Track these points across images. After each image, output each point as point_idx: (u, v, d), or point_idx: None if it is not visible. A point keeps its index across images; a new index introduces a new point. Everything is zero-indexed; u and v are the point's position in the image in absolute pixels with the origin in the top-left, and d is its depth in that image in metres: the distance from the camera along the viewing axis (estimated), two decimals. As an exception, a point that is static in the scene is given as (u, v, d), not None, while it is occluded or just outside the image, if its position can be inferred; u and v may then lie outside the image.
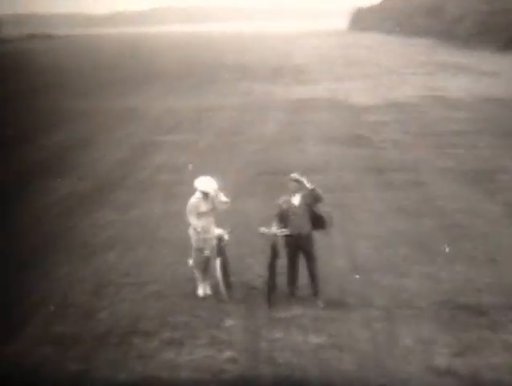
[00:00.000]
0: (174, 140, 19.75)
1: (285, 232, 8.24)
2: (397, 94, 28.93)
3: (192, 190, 8.58)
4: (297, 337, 7.40)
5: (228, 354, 7.08)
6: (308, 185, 8.36)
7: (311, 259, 8.36)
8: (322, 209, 8.50)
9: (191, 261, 8.59)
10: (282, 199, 8.44)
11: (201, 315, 7.93)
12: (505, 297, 8.03)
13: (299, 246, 8.32)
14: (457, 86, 31.30)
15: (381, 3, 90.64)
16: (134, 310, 8.14)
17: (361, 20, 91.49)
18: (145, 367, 6.92)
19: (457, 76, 36.40)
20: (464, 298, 8.07)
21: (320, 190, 8.38)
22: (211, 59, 56.12)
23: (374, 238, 10.20)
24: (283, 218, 8.30)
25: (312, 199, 8.36)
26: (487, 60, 47.09)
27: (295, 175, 8.45)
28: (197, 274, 8.56)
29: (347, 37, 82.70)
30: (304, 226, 8.29)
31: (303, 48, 66.21)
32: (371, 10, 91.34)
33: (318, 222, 8.36)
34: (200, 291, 8.54)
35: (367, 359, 6.88)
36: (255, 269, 9.05)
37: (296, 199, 8.37)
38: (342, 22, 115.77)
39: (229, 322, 7.74)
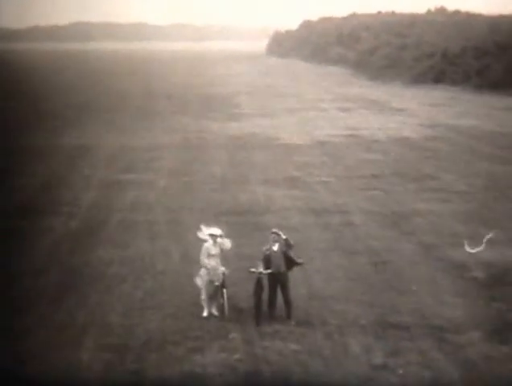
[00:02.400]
0: (134, 180, 22.90)
1: (268, 271, 11.75)
2: (321, 133, 33.00)
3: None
4: (280, 345, 10.88)
5: (236, 356, 10.51)
6: (283, 236, 11.89)
7: (286, 290, 11.88)
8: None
9: (199, 282, 11.90)
10: (265, 247, 11.94)
11: (211, 331, 11.31)
12: (421, 317, 11.77)
13: (277, 280, 11.83)
14: (372, 125, 35.70)
15: (298, 29, 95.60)
16: (160, 327, 11.43)
17: (279, 45, 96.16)
18: (181, 365, 10.25)
19: (371, 114, 41.00)
20: (391, 318, 11.78)
21: (291, 241, 11.94)
22: (138, 88, 59.00)
23: (324, 272, 13.85)
24: (266, 260, 11.80)
25: (286, 246, 11.90)
26: (397, 95, 52.23)
27: (275, 230, 11.99)
28: (204, 300, 11.91)
29: (267, 63, 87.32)
30: (281, 266, 11.81)
31: (229, 76, 70.03)
32: (289, 34, 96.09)
33: (291, 262, 11.90)
34: (205, 313, 11.92)
35: (329, 360, 10.43)
36: (240, 296, 12.44)
37: (275, 247, 11.88)
38: (260, 44, 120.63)
39: (232, 335, 11.16)
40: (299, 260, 11.99)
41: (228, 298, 11.83)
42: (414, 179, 22.82)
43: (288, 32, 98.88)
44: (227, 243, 12.03)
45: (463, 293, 12.75)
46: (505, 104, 46.53)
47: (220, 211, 18.61)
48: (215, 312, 11.96)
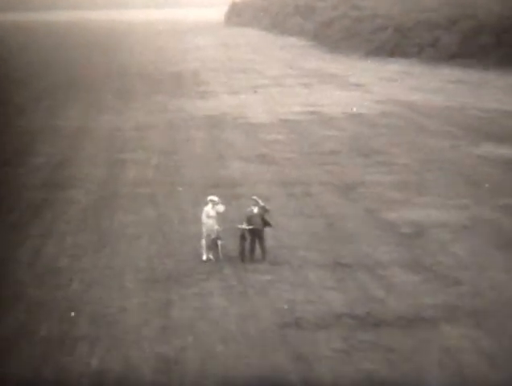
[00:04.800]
0: (130, 158, 28.08)
1: (250, 227, 17.10)
2: (284, 110, 38.28)
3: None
4: (259, 276, 16.27)
5: (230, 283, 15.89)
6: (261, 203, 17.23)
7: (262, 241, 17.26)
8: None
9: (203, 241, 17.25)
10: (248, 210, 17.26)
11: (210, 268, 16.68)
12: (360, 259, 17.24)
13: (256, 234, 17.20)
14: (331, 101, 40.96)
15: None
16: (175, 267, 16.76)
17: (237, 14, 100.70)
18: (194, 289, 15.57)
19: (330, 89, 46.25)
20: (339, 260, 17.20)
21: (267, 207, 17.28)
22: (107, 65, 63.41)
23: (289, 230, 19.26)
24: (248, 220, 17.14)
25: (263, 210, 17.25)
26: (354, 68, 57.36)
27: (255, 197, 17.31)
28: (203, 248, 17.24)
29: (227, 34, 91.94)
30: (259, 224, 17.17)
31: (191, 50, 74.63)
32: (247, 4, 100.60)
33: (265, 222, 17.28)
34: (204, 257, 17.28)
35: (293, 284, 15.81)
36: (228, 246, 17.77)
37: (255, 210, 17.24)
38: (216, 13, 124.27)
39: (225, 271, 16.54)
40: (271, 223, 17.39)
41: (221, 248, 17.23)
42: (364, 154, 28.31)
43: (245, 2, 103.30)
44: (221, 207, 17.38)
45: (392, 243, 18.30)
46: (456, 76, 51.75)
47: (206, 184, 23.93)
48: (211, 257, 17.34)
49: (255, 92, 45.01)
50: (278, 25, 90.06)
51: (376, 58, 64.17)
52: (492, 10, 66.30)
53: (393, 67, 57.48)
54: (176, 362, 12.84)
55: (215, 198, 17.49)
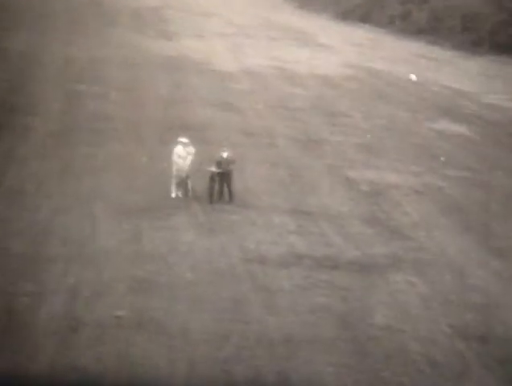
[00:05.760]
0: (88, 91, 29.76)
1: (219, 170, 19.38)
2: (250, 61, 40.27)
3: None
4: (226, 216, 18.62)
5: (198, 219, 18.17)
6: (229, 153, 19.54)
7: (230, 184, 19.59)
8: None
9: (172, 179, 19.41)
10: (218, 155, 19.51)
11: (179, 205, 18.92)
12: (321, 209, 19.71)
13: (224, 177, 19.50)
14: (298, 59, 43.06)
15: None
16: (148, 200, 18.91)
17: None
18: (163, 222, 17.78)
19: (298, 46, 48.30)
20: (301, 208, 19.65)
21: (234, 156, 19.59)
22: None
23: (255, 177, 21.62)
24: (218, 163, 19.42)
25: (231, 158, 19.57)
26: (324, 29, 59.37)
27: (224, 148, 19.60)
28: (173, 185, 19.41)
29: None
30: (228, 168, 19.46)
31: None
32: None
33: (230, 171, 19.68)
34: (173, 194, 19.48)
35: (257, 225, 18.17)
36: (197, 188, 20.01)
37: (225, 155, 19.52)
38: None
39: (194, 208, 18.81)
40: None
41: (190, 187, 19.47)
42: (328, 114, 30.75)
43: None
44: (192, 149, 19.62)
45: (352, 198, 20.86)
46: (423, 52, 54.37)
47: (171, 126, 25.96)
48: (180, 195, 19.56)
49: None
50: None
51: (346, 21, 65.90)
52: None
53: (363, 34, 59.52)
54: (150, 283, 14.99)
55: (186, 140, 19.67)
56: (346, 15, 68.19)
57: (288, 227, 18.36)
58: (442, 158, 26.44)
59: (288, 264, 16.26)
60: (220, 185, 19.62)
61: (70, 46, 38.66)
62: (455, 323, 14.54)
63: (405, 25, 64.13)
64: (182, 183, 19.58)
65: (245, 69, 38.09)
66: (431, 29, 62.92)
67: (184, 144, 19.61)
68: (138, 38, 43.44)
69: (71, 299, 14.22)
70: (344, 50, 49.56)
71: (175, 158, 19.59)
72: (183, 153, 19.54)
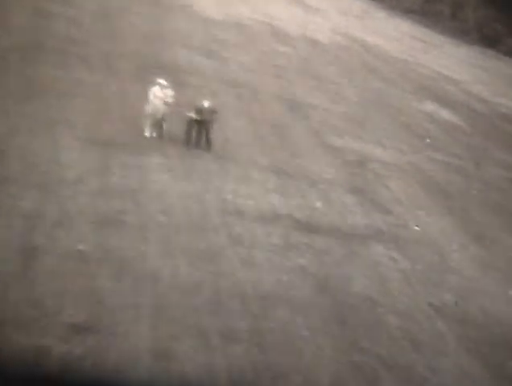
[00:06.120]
0: (58, 11, 28.18)
1: (198, 117, 18.84)
2: (237, 12, 39.43)
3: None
4: (203, 164, 18.13)
5: (173, 162, 17.62)
6: (212, 104, 19.00)
7: (208, 132, 19.08)
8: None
9: (147, 118, 18.79)
10: (199, 102, 18.96)
11: (153, 145, 18.34)
12: (305, 173, 19.30)
13: (203, 125, 18.98)
14: (287, 18, 42.42)
15: None
16: (117, 135, 18.26)
17: None
18: (137, 156, 17.20)
19: (288, 5, 47.64)
20: (284, 168, 19.22)
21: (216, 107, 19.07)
22: None
23: (237, 130, 21.08)
24: (198, 111, 18.86)
25: (213, 107, 19.03)
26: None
27: (206, 96, 19.03)
28: (148, 125, 18.80)
29: None
30: (208, 116, 18.92)
31: None
32: None
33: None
34: (147, 133, 18.91)
35: (241, 182, 17.72)
36: (175, 132, 19.41)
37: (206, 104, 19.02)
38: None
39: (169, 151, 18.26)
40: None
41: (165, 128, 18.86)
42: (314, 78, 30.27)
43: None
44: (170, 92, 19.03)
45: (335, 165, 20.52)
46: (415, 32, 54.11)
47: (148, 64, 25.11)
48: (154, 135, 18.99)
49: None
50: None
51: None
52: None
53: (354, 4, 59.06)
54: (117, 220, 14.35)
55: (164, 81, 19.07)
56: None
57: (268, 184, 17.92)
58: (428, 140, 26.27)
59: (266, 222, 15.83)
60: (198, 133, 19.09)
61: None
62: (434, 302, 14.53)
63: (396, 2, 64.04)
64: (157, 124, 18.96)
65: (231, 19, 37.28)
66: (422, 10, 63.07)
67: (163, 86, 18.94)
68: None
69: (27, 226, 13.45)
70: (335, 17, 48.99)
71: (151, 97, 18.92)
72: (160, 95, 18.88)
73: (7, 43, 23.08)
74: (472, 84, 41.16)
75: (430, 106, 31.96)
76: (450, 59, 47.42)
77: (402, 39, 48.54)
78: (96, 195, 15.24)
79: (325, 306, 12.93)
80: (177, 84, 21.12)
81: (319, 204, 17.43)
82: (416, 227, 17.92)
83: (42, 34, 25.06)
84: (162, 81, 19.18)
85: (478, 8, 63.80)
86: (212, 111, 19.22)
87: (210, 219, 15.42)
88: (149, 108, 18.92)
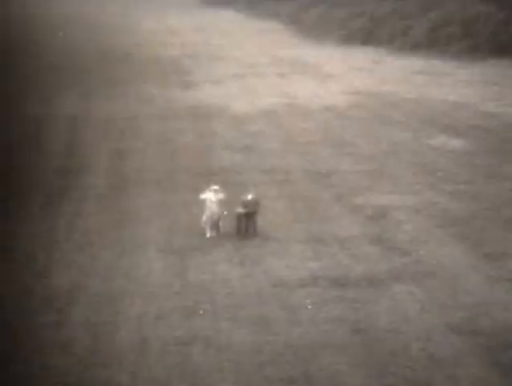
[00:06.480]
0: (131, 147, 33.10)
1: (245, 210, 22.28)
2: (263, 101, 43.21)
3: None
4: (252, 249, 21.60)
5: (231, 253, 21.14)
6: (255, 196, 22.42)
7: (255, 222, 22.52)
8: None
9: (207, 222, 22.34)
10: (244, 197, 22.40)
11: (214, 243, 21.90)
12: (330, 232, 22.49)
13: (250, 216, 22.36)
14: (306, 93, 45.88)
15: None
16: (187, 242, 21.86)
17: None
18: (204, 254, 20.71)
19: (304, 79, 51.18)
20: (321, 235, 22.43)
21: (258, 197, 22.50)
22: (82, 45, 67.65)
23: (275, 211, 24.46)
24: (244, 204, 22.30)
25: (255, 199, 22.45)
26: (328, 56, 61.95)
27: (249, 191, 22.46)
28: (207, 227, 22.40)
29: (201, 15, 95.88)
30: (253, 207, 22.34)
31: (165, 32, 78.91)
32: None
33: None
34: (208, 235, 22.47)
35: (284, 257, 21.00)
36: (227, 226, 22.92)
37: (249, 197, 22.43)
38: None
39: (226, 245, 21.75)
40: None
41: (221, 227, 22.47)
42: (335, 145, 33.56)
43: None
44: (221, 195, 22.54)
45: (358, 223, 23.71)
46: (422, 66, 56.12)
47: (200, 173, 29.05)
48: (214, 234, 22.51)
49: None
50: (253, 7, 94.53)
51: (349, 45, 68.25)
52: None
53: (364, 56, 62.11)
54: (196, 309, 17.96)
55: (217, 187, 22.66)
56: (348, 39, 70.55)
57: (305, 253, 21.24)
58: (439, 174, 29.04)
59: (306, 285, 19.17)
60: (246, 224, 22.57)
61: (108, 104, 42.29)
62: (449, 321, 17.21)
63: (404, 41, 66.33)
64: (215, 225, 22.53)
65: (260, 110, 41.05)
66: (430, 41, 64.97)
67: (215, 191, 22.54)
68: (163, 90, 46.86)
69: (140, 324, 17.49)
70: (347, 77, 52.10)
71: (208, 203, 22.53)
72: (214, 199, 22.47)
73: (98, 187, 27.81)
74: (482, 102, 42.74)
75: (440, 139, 34.28)
76: (460, 83, 49.24)
77: (410, 79, 50.93)
78: (181, 292, 19.07)
79: (358, 344, 16.10)
80: (225, 184, 24.65)
81: (347, 261, 20.61)
82: (432, 261, 20.75)
83: (120, 171, 29.74)
84: (215, 187, 22.82)
85: (490, 16, 64.00)
86: (256, 202, 22.67)
87: (263, 292, 18.85)
88: (207, 214, 22.57)
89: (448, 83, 49.64)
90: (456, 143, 33.58)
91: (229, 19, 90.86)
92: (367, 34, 71.15)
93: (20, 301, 18.69)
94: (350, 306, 17.92)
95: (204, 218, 22.65)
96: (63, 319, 17.68)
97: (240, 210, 22.49)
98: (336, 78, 51.99)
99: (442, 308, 17.94)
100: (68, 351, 16.23)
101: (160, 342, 16.48)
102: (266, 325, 17.16)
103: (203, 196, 22.71)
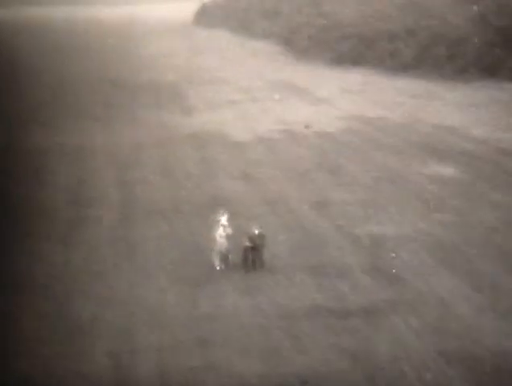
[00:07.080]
0: (136, 177, 34.67)
1: (251, 245, 23.86)
2: (260, 128, 44.72)
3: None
4: (259, 280, 23.11)
5: (239, 285, 22.72)
6: (261, 230, 23.97)
7: (261, 254, 24.06)
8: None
9: (217, 255, 23.91)
10: (250, 230, 23.96)
11: (223, 274, 23.49)
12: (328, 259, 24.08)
13: (256, 249, 23.95)
14: (300, 118, 47.32)
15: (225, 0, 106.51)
16: (197, 273, 23.44)
17: (206, 15, 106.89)
18: (213, 286, 22.26)
19: (298, 103, 52.76)
20: (322, 265, 24.00)
21: (264, 233, 24.08)
22: (80, 72, 69.18)
23: (278, 242, 26.01)
24: (250, 238, 23.89)
25: (262, 233, 24.03)
26: (319, 79, 63.41)
27: (258, 230, 24.02)
28: (217, 260, 23.94)
29: (195, 37, 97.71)
30: (259, 241, 23.93)
31: (160, 56, 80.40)
32: (216, 4, 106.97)
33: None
34: (218, 267, 24.10)
35: (288, 287, 22.56)
36: (235, 259, 24.46)
37: (256, 231, 24.03)
38: (181, 10, 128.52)
39: (233, 276, 23.33)
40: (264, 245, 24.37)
41: (230, 260, 24.06)
42: (331, 173, 35.12)
43: (215, 2, 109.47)
44: (229, 230, 24.13)
45: (356, 253, 25.24)
46: (412, 89, 57.68)
47: (205, 203, 30.57)
48: (223, 266, 24.09)
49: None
50: (246, 28, 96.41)
51: (339, 66, 69.94)
52: (448, 20, 72.22)
53: (354, 78, 63.77)
54: (209, 340, 19.48)
55: (225, 222, 24.19)
56: (339, 60, 72.20)
57: (307, 285, 22.79)
58: (431, 203, 30.67)
59: (311, 316, 20.67)
60: (253, 257, 24.14)
61: (110, 133, 43.93)
62: (442, 349, 18.73)
63: (393, 62, 67.89)
64: (224, 258, 24.15)
65: (256, 136, 42.69)
66: (418, 62, 66.57)
67: (224, 226, 24.09)
68: (162, 116, 48.54)
69: (158, 353, 19.00)
70: (339, 100, 53.55)
71: (218, 238, 24.09)
72: (223, 234, 24.05)
73: (108, 218, 29.40)
74: (472, 127, 43.81)
75: (432, 166, 35.71)
76: (448, 107, 50.93)
77: (401, 102, 52.25)
78: (195, 323, 20.63)
79: (359, 373, 17.68)
80: (229, 216, 25.81)
81: (346, 291, 22.20)
82: (425, 289, 22.36)
83: (128, 202, 31.43)
84: (224, 223, 24.23)
85: (477, 37, 64.56)
86: (262, 236, 24.21)
87: (270, 322, 20.39)
88: (217, 248, 24.11)
89: (437, 106, 51.16)
90: (447, 171, 34.99)
91: (222, 40, 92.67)
92: (357, 56, 72.55)
93: (41, 330, 20.26)
94: (350, 336, 19.46)
95: (214, 252, 24.23)
96: (84, 349, 19.21)
97: (247, 244, 24.08)
98: (328, 102, 53.57)
99: (435, 336, 19.45)
100: (92, 381, 17.78)
101: (179, 374, 17.98)
102: (272, 354, 18.74)
103: (214, 233, 24.29)
